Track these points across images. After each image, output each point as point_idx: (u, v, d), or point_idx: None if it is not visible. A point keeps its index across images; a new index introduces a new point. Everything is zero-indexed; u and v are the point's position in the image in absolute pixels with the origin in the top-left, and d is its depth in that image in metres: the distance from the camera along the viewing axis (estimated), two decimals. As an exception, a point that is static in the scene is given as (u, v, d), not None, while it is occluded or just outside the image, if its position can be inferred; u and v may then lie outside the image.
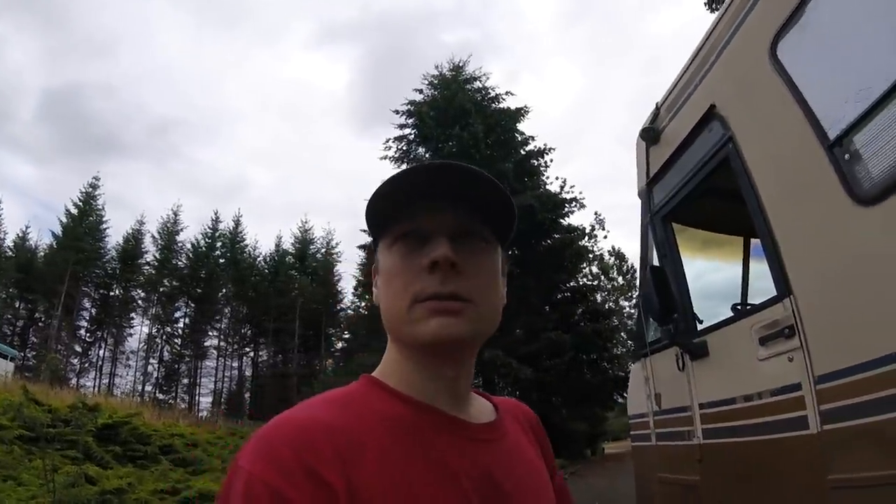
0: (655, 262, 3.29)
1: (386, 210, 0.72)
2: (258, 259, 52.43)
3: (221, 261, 51.08)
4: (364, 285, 27.97)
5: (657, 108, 3.31)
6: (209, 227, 51.56)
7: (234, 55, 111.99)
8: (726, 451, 2.36)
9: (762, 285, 2.43)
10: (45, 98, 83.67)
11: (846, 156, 1.74)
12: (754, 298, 3.26)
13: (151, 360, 47.62)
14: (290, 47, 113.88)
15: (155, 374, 47.53)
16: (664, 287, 2.94)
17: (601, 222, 24.66)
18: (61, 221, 46.01)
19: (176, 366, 48.35)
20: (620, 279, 29.46)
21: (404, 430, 0.66)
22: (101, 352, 48.09)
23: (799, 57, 2.04)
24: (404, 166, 22.51)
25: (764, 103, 2.23)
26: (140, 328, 49.08)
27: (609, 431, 23.29)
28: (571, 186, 23.22)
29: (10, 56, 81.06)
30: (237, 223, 52.77)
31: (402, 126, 24.41)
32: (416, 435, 0.67)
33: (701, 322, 2.91)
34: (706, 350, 2.66)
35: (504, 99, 24.83)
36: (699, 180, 2.83)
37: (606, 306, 25.08)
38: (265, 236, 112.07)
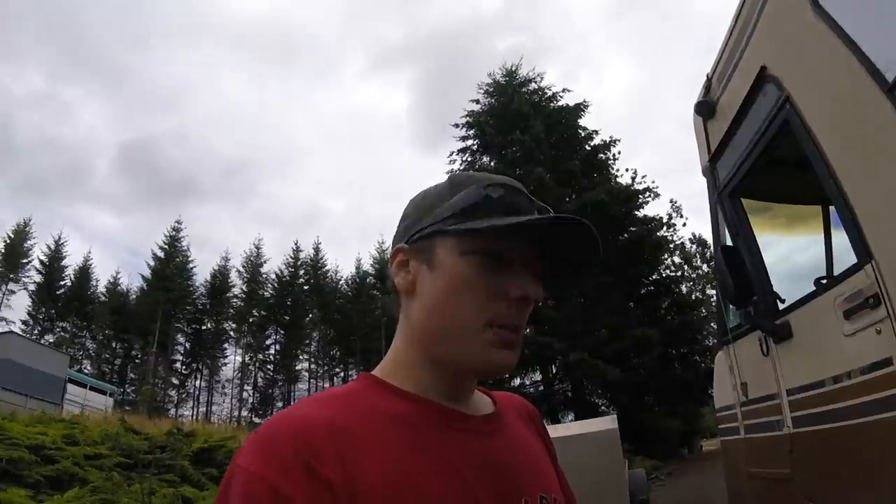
0: (728, 243, 3.10)
1: (506, 227, 0.67)
2: (340, 282, 54.18)
3: (305, 287, 53.26)
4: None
5: (708, 80, 3.13)
6: (291, 257, 54.00)
7: (295, 93, 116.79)
8: (817, 440, 2.14)
9: (847, 254, 2.22)
10: (120, 152, 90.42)
11: (910, 96, 1.54)
12: (840, 269, 3.00)
13: (246, 387, 50.27)
14: (347, 78, 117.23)
15: (250, 400, 50.03)
16: (739, 267, 2.76)
17: (678, 210, 23.68)
18: (149, 265, 49.62)
19: (270, 390, 50.62)
20: (705, 267, 28.06)
21: (405, 426, 0.66)
22: (198, 382, 51.43)
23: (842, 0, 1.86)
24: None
25: (814, 55, 2.05)
26: (233, 357, 52.05)
27: (706, 428, 22.13)
28: (643, 177, 22.52)
29: (82, 118, 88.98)
30: (317, 250, 54.91)
31: (463, 138, 24.52)
32: (417, 429, 0.66)
33: (783, 301, 2.69)
34: (789, 331, 2.44)
35: (562, 97, 24.48)
36: (762, 149, 2.63)
37: (693, 297, 23.90)
38: (345, 260, 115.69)
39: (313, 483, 0.56)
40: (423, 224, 0.73)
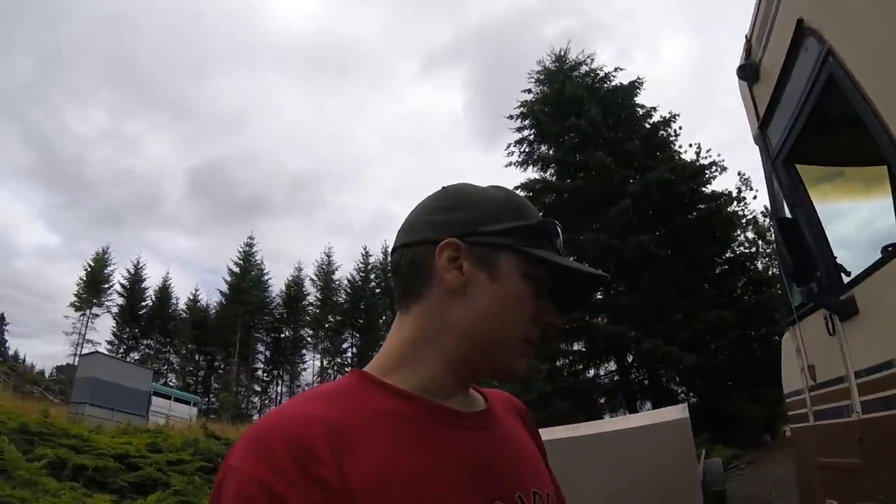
0: (787, 215, 2.87)
1: (572, 269, 0.77)
2: (410, 283, 55.12)
3: (377, 290, 54.37)
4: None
5: (748, 41, 2.92)
6: (361, 262, 55.28)
7: (352, 104, 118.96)
8: (890, 427, 1.93)
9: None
10: (190, 176, 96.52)
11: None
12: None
13: (326, 390, 51.95)
14: (402, 84, 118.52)
15: (330, 403, 51.72)
16: (799, 240, 2.57)
17: (747, 182, 22.28)
18: (226, 280, 52.26)
19: (349, 392, 52.09)
20: (783, 240, 26.40)
21: (397, 422, 0.65)
22: (279, 388, 53.67)
23: None
24: (530, 169, 22.17)
25: (853, 1, 1.84)
26: (312, 362, 54.13)
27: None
28: (707, 151, 21.40)
29: (151, 149, 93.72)
30: (385, 254, 55.78)
31: (519, 129, 24.19)
32: (410, 425, 0.66)
33: (848, 274, 2.47)
34: (855, 306, 2.23)
35: (614, 76, 23.69)
36: (811, 109, 2.42)
37: (769, 273, 22.58)
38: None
39: (307, 481, 0.55)
40: (486, 229, 0.74)
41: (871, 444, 2.04)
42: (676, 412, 5.58)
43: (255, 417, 44.00)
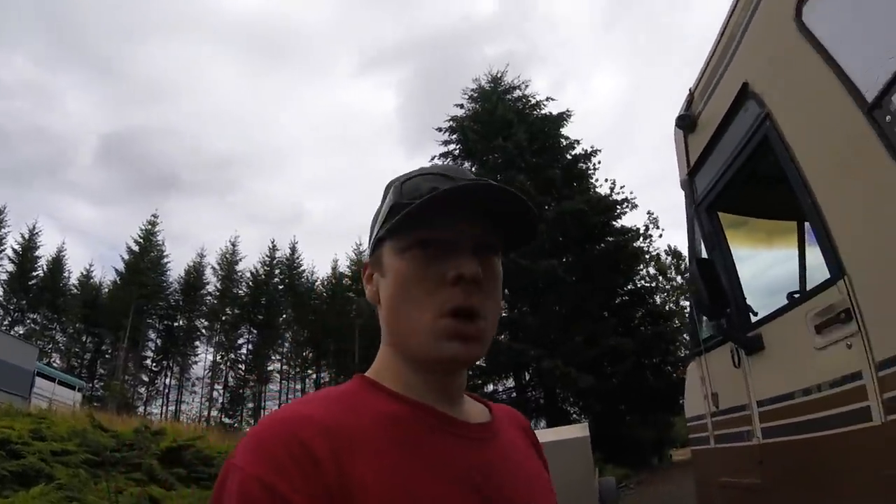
0: (704, 255, 3.14)
1: (406, 216, 0.68)
2: (316, 283, 53.68)
3: (280, 287, 52.59)
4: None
5: (691, 94, 3.17)
6: (267, 256, 53.21)
7: (285, 90, 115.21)
8: (787, 451, 2.19)
9: (820, 270, 2.27)
10: (104, 143, 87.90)
11: (887, 117, 1.58)
12: (813, 285, 3.07)
13: (216, 386, 49.50)
14: (339, 77, 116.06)
15: (220, 400, 49.29)
16: (713, 280, 2.81)
17: (655, 221, 23.95)
18: (123, 258, 48.51)
19: (241, 391, 49.87)
20: (679, 279, 28.48)
21: (399, 427, 0.66)
22: (168, 380, 50.49)
23: (826, 20, 1.91)
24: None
25: (796, 74, 2.09)
26: (204, 356, 51.17)
27: (676, 437, 22.43)
28: (622, 187, 22.80)
29: (69, 106, 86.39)
30: (293, 250, 54.26)
31: (446, 142, 24.56)
32: (412, 432, 0.66)
33: (756, 314, 2.74)
34: (761, 343, 2.49)
35: (545, 105, 24.69)
36: (741, 164, 2.68)
37: (667, 307, 24.22)
38: (322, 261, 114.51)
39: (308, 482, 0.56)
40: (375, 236, 0.77)
41: (771, 467, 2.29)
42: (578, 430, 5.87)
43: (141, 410, 41.30)
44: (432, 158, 24.31)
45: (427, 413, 0.69)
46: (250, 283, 51.89)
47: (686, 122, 3.22)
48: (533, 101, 24.78)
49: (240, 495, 0.55)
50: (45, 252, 49.12)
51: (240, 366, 51.18)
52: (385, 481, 0.59)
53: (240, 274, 52.29)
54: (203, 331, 51.12)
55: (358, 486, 0.57)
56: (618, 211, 22.45)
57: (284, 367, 51.94)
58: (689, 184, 3.30)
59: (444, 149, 24.46)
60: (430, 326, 0.68)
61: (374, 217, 0.80)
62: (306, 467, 0.56)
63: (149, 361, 49.76)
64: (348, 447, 0.60)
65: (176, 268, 65.59)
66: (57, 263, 48.75)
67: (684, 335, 23.52)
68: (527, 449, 0.84)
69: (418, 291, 0.69)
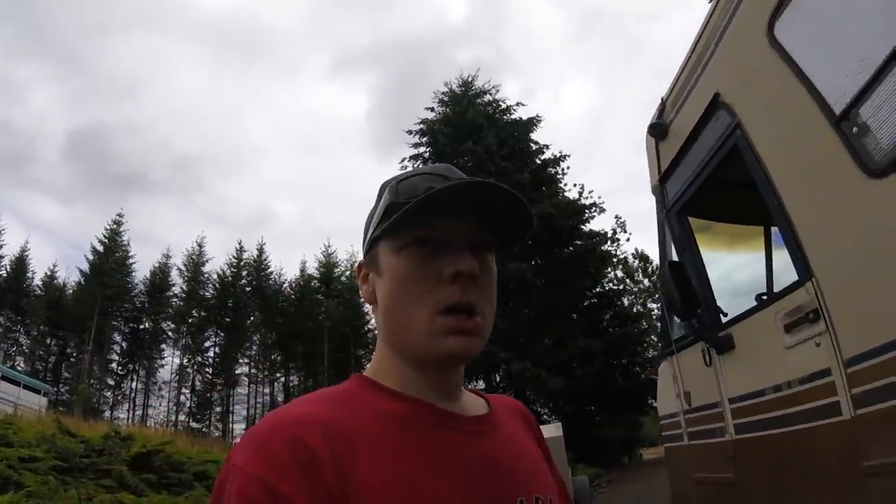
0: (675, 258, 3.24)
1: (404, 214, 0.69)
2: (284, 286, 53.00)
3: (248, 289, 51.75)
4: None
5: (663, 103, 3.27)
6: (234, 257, 52.31)
7: (254, 90, 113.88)
8: (760, 446, 2.28)
9: (787, 272, 2.38)
10: (69, 139, 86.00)
11: (854, 129, 1.68)
12: (781, 286, 3.19)
13: (184, 390, 48.46)
14: (309, 80, 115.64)
15: (188, 404, 48.23)
16: (684, 282, 2.89)
17: (622, 225, 24.48)
18: (88, 259, 47.03)
19: (208, 394, 48.95)
20: (646, 281, 29.04)
21: (398, 425, 0.66)
22: (134, 384, 49.14)
23: (797, 35, 2.00)
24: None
25: (767, 86, 2.19)
26: (171, 359, 50.01)
27: (645, 437, 22.87)
28: (590, 192, 23.17)
29: (33, 100, 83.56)
30: (261, 251, 53.50)
31: (416, 145, 24.59)
32: (411, 429, 0.67)
33: (726, 315, 2.84)
34: (732, 342, 2.58)
35: (515, 110, 24.92)
36: (711, 171, 2.77)
37: (634, 310, 24.70)
38: (291, 263, 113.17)
39: (309, 482, 0.56)
40: (370, 237, 0.77)
41: (744, 461, 2.39)
42: (552, 430, 5.93)
43: (108, 414, 40.07)
44: (402, 160, 24.35)
45: (427, 410, 0.70)
46: (217, 285, 50.91)
47: (658, 130, 3.31)
48: (503, 106, 25.02)
49: (241, 496, 0.55)
50: (8, 251, 47.29)
51: (207, 369, 50.17)
52: (387, 480, 0.59)
53: (206, 275, 51.30)
54: (169, 333, 49.94)
55: (360, 486, 0.57)
56: (586, 215, 22.80)
57: (253, 370, 51.14)
58: (660, 189, 3.39)
59: (413, 151, 24.51)
60: (428, 323, 0.68)
61: (368, 217, 0.80)
62: (308, 468, 0.56)
63: (114, 365, 48.38)
64: (349, 447, 0.60)
65: (141, 269, 63.94)
66: (20, 263, 47.09)
67: (652, 336, 24.05)
68: (526, 439, 0.84)
69: (416, 289, 0.70)
